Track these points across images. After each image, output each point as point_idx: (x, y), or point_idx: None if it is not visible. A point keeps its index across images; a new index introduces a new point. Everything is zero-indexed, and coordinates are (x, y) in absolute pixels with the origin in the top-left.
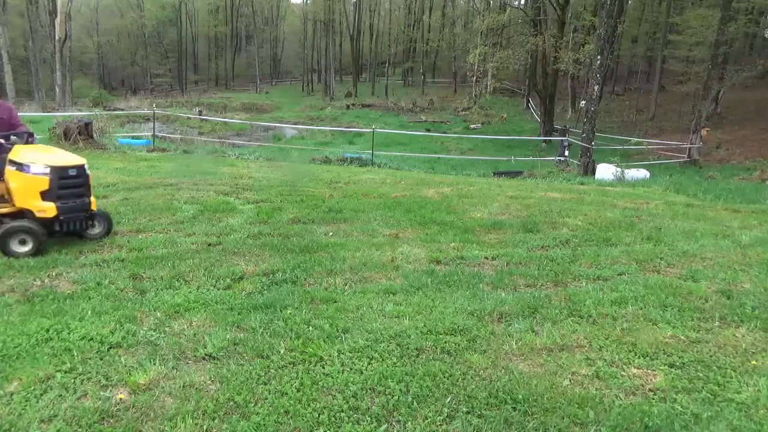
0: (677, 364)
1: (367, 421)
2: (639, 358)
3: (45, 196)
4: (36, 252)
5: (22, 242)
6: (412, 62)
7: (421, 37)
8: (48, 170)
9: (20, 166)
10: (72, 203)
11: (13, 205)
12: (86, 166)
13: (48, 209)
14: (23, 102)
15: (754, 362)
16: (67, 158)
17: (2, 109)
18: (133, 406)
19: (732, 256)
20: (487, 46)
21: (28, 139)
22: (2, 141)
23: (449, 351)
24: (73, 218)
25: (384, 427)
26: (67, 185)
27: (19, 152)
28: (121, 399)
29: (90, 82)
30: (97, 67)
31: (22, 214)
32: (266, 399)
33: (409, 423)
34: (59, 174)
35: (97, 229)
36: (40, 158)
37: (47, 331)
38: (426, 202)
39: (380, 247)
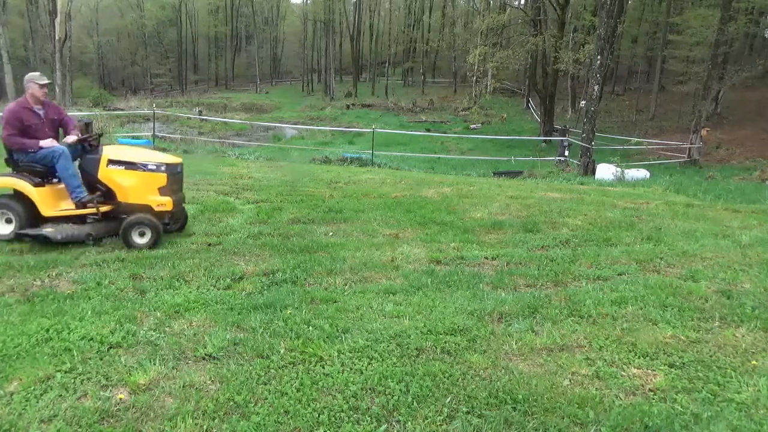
0: (677, 364)
1: (367, 421)
2: (639, 358)
3: (162, 191)
4: (154, 243)
5: (141, 234)
6: (412, 62)
7: (421, 37)
8: (164, 167)
9: (133, 165)
10: (178, 197)
11: (116, 203)
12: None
13: (167, 203)
14: None
15: (754, 362)
16: (168, 157)
17: (53, 110)
18: (133, 406)
19: (732, 256)
20: (487, 46)
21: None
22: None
23: (449, 351)
24: (179, 211)
25: (384, 427)
26: (175, 180)
27: (121, 152)
28: (121, 399)
29: (90, 82)
30: (97, 67)
31: (123, 211)
32: (266, 399)
33: (409, 423)
34: (172, 170)
35: (179, 223)
36: (150, 157)
37: (47, 331)
38: (426, 202)
39: (380, 247)
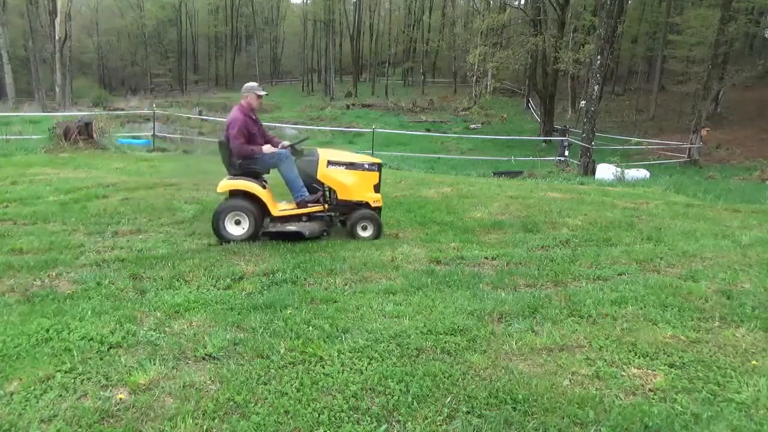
0: (677, 364)
1: (367, 421)
2: (639, 358)
3: (375, 188)
4: (377, 236)
5: (364, 228)
6: (412, 62)
7: (421, 37)
8: (376, 167)
9: (353, 165)
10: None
11: (334, 201)
12: None
13: (379, 199)
14: (23, 102)
15: (754, 362)
16: (372, 158)
17: (256, 115)
18: (133, 406)
19: (732, 256)
20: (487, 46)
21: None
22: (295, 148)
23: (449, 351)
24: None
25: (384, 427)
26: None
27: (336, 154)
28: (121, 399)
29: (90, 82)
30: (97, 67)
31: (336, 207)
32: (266, 399)
33: (409, 423)
34: (380, 169)
35: None
36: (362, 158)
37: (47, 331)
38: (426, 202)
39: (380, 247)
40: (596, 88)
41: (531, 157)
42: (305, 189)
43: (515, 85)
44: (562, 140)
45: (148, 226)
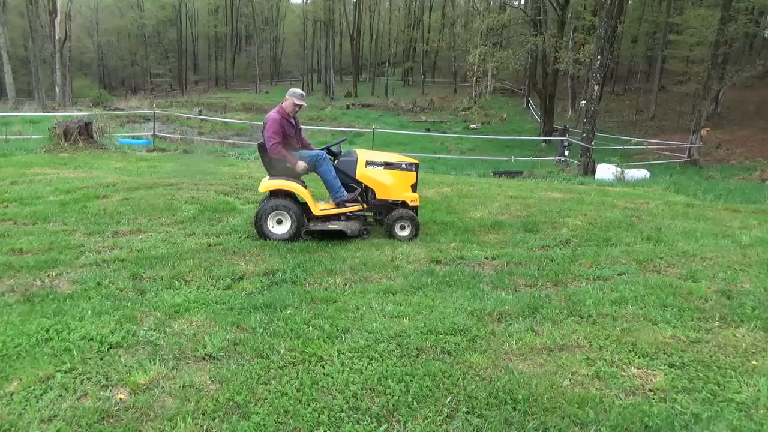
0: (677, 364)
1: (367, 421)
2: (639, 358)
3: (413, 188)
4: (414, 236)
5: (402, 228)
6: (412, 62)
7: (421, 37)
8: (413, 167)
9: (391, 165)
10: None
11: (369, 201)
12: None
13: (417, 198)
14: (23, 102)
15: (754, 362)
16: (408, 158)
17: (296, 119)
18: (133, 406)
19: (732, 256)
20: (487, 46)
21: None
22: (334, 150)
23: (449, 351)
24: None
25: (384, 427)
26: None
27: (373, 155)
28: (121, 399)
29: (90, 82)
30: (97, 67)
31: (373, 206)
32: (266, 399)
33: (409, 423)
34: (417, 169)
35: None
36: (399, 157)
37: (47, 331)
38: (426, 202)
39: (380, 247)
40: (596, 88)
41: (531, 157)
42: (344, 189)
43: (515, 85)
44: (562, 140)
45: (148, 226)
